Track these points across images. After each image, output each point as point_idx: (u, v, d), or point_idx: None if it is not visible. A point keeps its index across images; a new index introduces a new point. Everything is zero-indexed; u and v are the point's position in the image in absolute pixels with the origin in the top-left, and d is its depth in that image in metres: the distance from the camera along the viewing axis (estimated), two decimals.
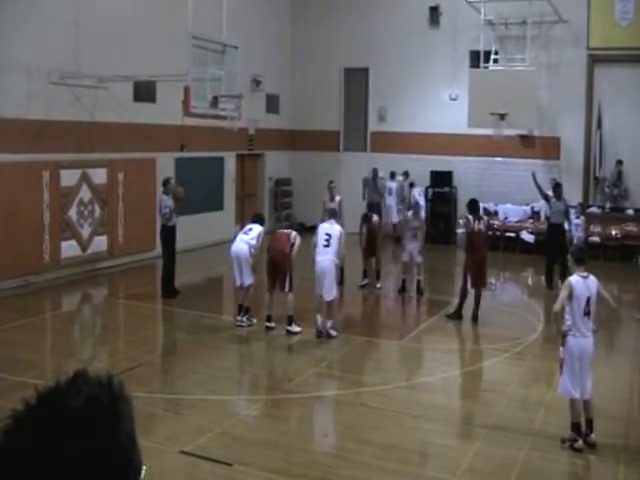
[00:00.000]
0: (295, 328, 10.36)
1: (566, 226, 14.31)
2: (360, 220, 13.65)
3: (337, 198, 13.50)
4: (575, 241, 14.24)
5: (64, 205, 13.60)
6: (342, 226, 10.76)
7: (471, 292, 11.44)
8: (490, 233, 18.06)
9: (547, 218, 15.37)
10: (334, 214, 11.11)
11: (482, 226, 11.61)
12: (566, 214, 14.17)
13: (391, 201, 19.12)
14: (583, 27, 17.79)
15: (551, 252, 14.06)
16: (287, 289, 10.27)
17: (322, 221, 11.13)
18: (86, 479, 1.08)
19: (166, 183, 12.62)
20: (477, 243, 11.45)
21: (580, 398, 6.71)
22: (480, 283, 11.44)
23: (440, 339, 10.75)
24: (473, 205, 11.87)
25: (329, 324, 10.28)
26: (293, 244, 10.25)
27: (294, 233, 10.41)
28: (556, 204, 14.12)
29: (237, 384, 9.04)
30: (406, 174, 19.47)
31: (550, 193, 14.33)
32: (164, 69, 13.63)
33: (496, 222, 18.42)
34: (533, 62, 17.35)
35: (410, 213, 13.33)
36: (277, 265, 10.29)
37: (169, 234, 12.48)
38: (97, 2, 14.11)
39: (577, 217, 15.69)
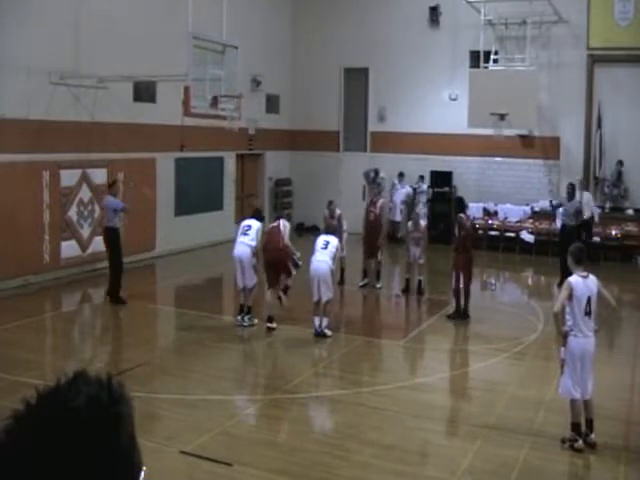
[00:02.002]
0: (273, 324, 10.50)
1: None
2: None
3: (337, 212, 13.38)
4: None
5: (64, 205, 13.60)
6: (341, 239, 11.39)
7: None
8: (495, 233, 18.29)
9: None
10: (332, 231, 11.42)
11: (470, 225, 11.89)
12: (576, 215, 14.16)
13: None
14: (583, 27, 17.79)
15: (562, 253, 14.04)
16: (292, 271, 10.42)
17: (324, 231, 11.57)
18: (86, 479, 1.08)
19: (114, 184, 12.43)
20: (469, 242, 11.58)
21: (581, 398, 6.71)
22: (469, 281, 11.61)
23: (440, 339, 10.76)
24: (462, 204, 12.04)
25: (324, 323, 10.32)
26: (284, 236, 10.41)
27: (282, 222, 10.57)
28: (567, 205, 14.25)
29: (237, 384, 9.03)
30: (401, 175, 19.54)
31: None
32: (164, 69, 13.63)
33: (496, 222, 18.44)
34: (533, 62, 17.36)
35: (410, 224, 13.39)
36: (274, 262, 10.45)
37: (116, 237, 12.06)
38: (97, 2, 14.10)
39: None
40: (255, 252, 10.73)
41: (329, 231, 11.29)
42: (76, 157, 13.75)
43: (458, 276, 11.47)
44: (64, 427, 1.08)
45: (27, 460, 1.07)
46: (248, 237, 10.76)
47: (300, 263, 10.58)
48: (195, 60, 12.81)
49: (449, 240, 18.50)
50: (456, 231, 11.71)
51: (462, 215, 11.75)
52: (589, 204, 16.10)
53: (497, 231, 18.34)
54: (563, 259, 13.96)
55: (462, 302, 11.55)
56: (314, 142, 20.99)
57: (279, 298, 10.61)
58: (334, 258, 10.52)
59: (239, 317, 10.80)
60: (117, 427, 1.12)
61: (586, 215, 15.72)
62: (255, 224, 10.90)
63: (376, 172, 18.83)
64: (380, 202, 13.91)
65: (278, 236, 10.42)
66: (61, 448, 1.07)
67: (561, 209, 14.86)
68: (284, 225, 10.52)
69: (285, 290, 10.64)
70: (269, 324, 10.52)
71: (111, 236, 12.08)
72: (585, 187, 16.60)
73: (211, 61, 13.40)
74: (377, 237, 13.56)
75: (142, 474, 1.16)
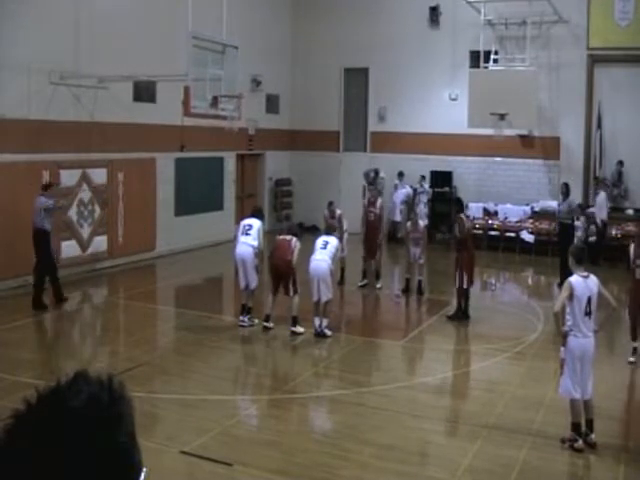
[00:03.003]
0: (299, 329, 10.38)
1: (578, 224, 14.78)
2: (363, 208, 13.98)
3: (337, 212, 13.41)
4: (576, 241, 14.30)
5: (64, 205, 13.57)
6: (342, 239, 11.40)
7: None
8: (495, 233, 18.31)
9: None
10: (332, 231, 11.39)
11: (469, 224, 12.02)
12: (570, 213, 14.31)
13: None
14: (583, 27, 17.79)
15: (560, 251, 14.18)
16: (292, 293, 10.32)
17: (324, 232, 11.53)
18: (86, 479, 1.08)
19: (50, 186, 11.89)
20: (470, 242, 11.58)
21: (581, 398, 6.70)
22: (472, 281, 11.61)
23: (440, 339, 10.76)
24: (461, 204, 12.11)
25: (324, 324, 10.32)
26: (294, 251, 10.31)
27: (294, 240, 10.45)
28: (561, 204, 14.53)
29: (237, 384, 9.04)
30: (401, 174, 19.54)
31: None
32: (164, 69, 13.64)
33: (496, 222, 18.45)
34: (533, 62, 17.36)
35: (409, 224, 13.39)
36: (280, 272, 10.41)
37: (46, 239, 11.58)
38: (97, 2, 14.11)
39: (577, 218, 15.73)
40: (257, 252, 10.72)
41: (329, 231, 11.28)
42: (76, 157, 13.75)
43: (462, 276, 11.45)
44: (64, 427, 1.08)
45: (27, 460, 1.07)
46: (250, 237, 10.74)
47: (297, 285, 10.48)
48: (195, 60, 12.81)
49: (449, 240, 18.65)
50: (456, 231, 11.72)
51: (462, 215, 11.78)
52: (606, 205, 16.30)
53: (497, 231, 18.34)
54: (561, 256, 14.07)
55: (462, 303, 11.54)
56: (314, 142, 20.98)
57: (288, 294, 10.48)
58: (333, 258, 10.52)
59: (241, 317, 10.79)
60: (117, 427, 1.12)
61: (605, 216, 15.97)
62: (256, 223, 10.88)
63: (376, 172, 18.88)
64: (379, 202, 13.94)
65: (288, 250, 10.32)
66: (61, 448, 1.07)
67: (558, 208, 14.99)
68: (295, 244, 10.43)
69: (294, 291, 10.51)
70: (266, 323, 10.53)
71: (41, 238, 11.49)
72: (605, 188, 16.76)
73: (211, 61, 13.41)
74: (377, 237, 13.60)
75: (143, 475, 1.16)
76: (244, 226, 10.95)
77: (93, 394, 1.12)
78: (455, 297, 11.83)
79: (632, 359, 9.40)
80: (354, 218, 14.22)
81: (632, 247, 9.69)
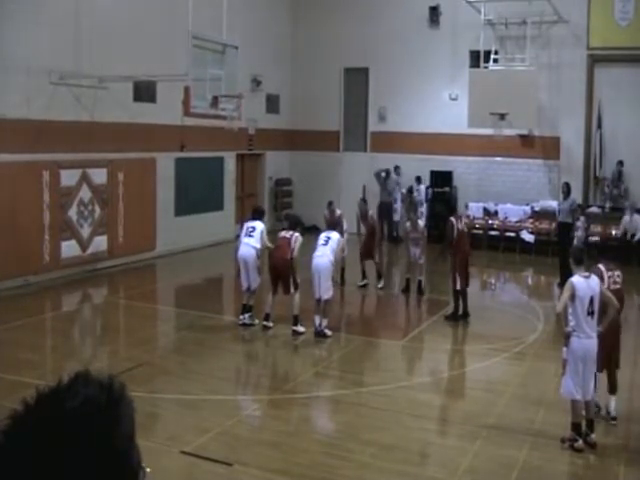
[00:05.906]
0: (300, 328, 10.37)
1: (578, 224, 14.81)
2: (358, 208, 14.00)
3: (337, 212, 13.44)
4: (576, 241, 14.31)
5: (64, 205, 13.59)
6: (342, 235, 11.30)
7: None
8: (495, 233, 18.28)
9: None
10: (333, 227, 11.46)
11: (462, 225, 11.80)
12: (571, 213, 14.33)
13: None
14: (583, 27, 17.79)
15: (560, 250, 14.19)
16: (292, 290, 10.33)
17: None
18: (83, 479, 1.08)
19: None
20: (462, 243, 11.51)
21: (582, 399, 6.70)
22: (467, 282, 11.54)
23: (440, 339, 10.76)
24: (450, 206, 12.12)
25: (324, 323, 10.31)
26: (294, 249, 10.30)
27: (295, 235, 10.44)
28: (562, 203, 14.53)
29: (237, 384, 9.04)
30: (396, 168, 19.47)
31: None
32: (164, 69, 13.64)
33: (496, 222, 18.45)
34: (533, 62, 17.36)
35: (408, 225, 13.36)
36: (278, 272, 10.41)
37: None
38: (97, 2, 14.10)
39: (577, 218, 15.73)
40: (259, 254, 10.74)
41: (330, 227, 11.30)
42: (76, 157, 13.75)
43: (455, 278, 11.43)
44: (63, 427, 1.08)
45: (27, 460, 1.07)
46: (253, 239, 10.76)
47: (299, 282, 10.47)
48: (195, 60, 12.83)
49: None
50: (447, 233, 11.68)
51: (451, 218, 11.68)
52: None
53: (497, 231, 18.34)
54: (561, 256, 14.07)
55: (460, 304, 11.49)
56: (314, 142, 20.98)
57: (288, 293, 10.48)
58: (335, 252, 10.50)
59: (241, 316, 10.80)
60: (114, 428, 1.12)
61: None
62: (259, 226, 10.90)
63: (387, 172, 18.90)
64: (370, 214, 13.90)
65: (287, 248, 10.33)
66: (60, 448, 1.07)
67: (558, 207, 15.00)
68: (296, 239, 10.41)
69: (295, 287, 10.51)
70: (265, 322, 10.53)
71: None
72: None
73: (211, 61, 13.42)
74: (373, 241, 13.54)
75: (142, 475, 1.16)
76: (247, 228, 10.98)
77: (92, 395, 1.12)
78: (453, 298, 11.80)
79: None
80: (354, 218, 14.22)
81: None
